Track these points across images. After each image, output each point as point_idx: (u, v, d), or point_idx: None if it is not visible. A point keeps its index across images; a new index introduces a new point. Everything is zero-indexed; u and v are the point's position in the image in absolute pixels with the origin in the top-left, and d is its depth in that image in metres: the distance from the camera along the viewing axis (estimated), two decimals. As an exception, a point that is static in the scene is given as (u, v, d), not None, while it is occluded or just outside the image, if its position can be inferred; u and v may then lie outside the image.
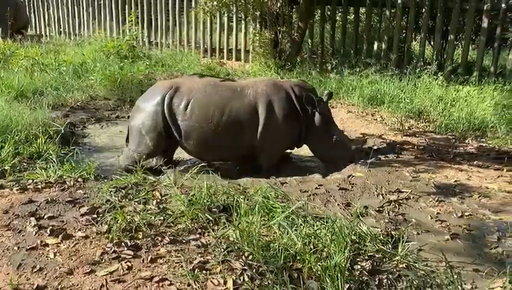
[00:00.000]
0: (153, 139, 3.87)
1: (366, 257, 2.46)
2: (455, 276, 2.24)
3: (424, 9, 7.71)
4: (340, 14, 9.07)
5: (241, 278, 2.24)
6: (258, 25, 8.48)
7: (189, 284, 2.19)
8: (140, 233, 2.64)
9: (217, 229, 2.70)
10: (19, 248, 2.47)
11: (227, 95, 3.90)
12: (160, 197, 3.14)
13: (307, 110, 4.01)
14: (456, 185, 3.55)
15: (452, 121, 5.07)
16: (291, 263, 2.34)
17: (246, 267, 2.30)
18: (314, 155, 4.35)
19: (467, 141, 4.67)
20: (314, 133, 4.09)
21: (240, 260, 2.36)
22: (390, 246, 2.57)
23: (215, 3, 7.87)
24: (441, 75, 6.48)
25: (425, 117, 5.47)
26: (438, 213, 3.08)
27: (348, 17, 8.86)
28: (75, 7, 11.78)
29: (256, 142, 3.94)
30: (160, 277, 2.24)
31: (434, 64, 6.83)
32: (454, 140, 4.70)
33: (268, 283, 2.18)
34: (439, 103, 5.71)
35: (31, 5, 12.56)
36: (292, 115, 3.98)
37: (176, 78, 4.33)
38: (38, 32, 12.53)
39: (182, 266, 2.32)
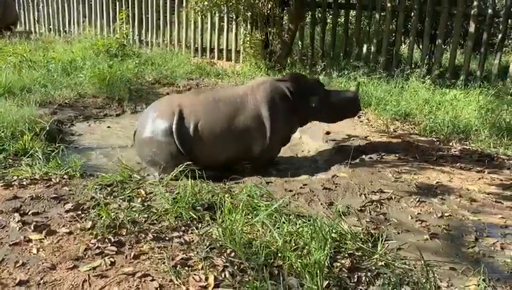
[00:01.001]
0: (169, 163, 3.80)
1: (346, 255, 2.50)
2: (431, 274, 2.30)
3: (413, 13, 7.82)
4: (330, 16, 9.15)
5: (223, 274, 2.27)
6: (249, 26, 8.52)
7: (171, 280, 2.22)
8: (124, 230, 2.66)
9: (201, 227, 2.73)
10: (1, 243, 2.47)
11: (230, 110, 3.94)
12: (145, 195, 3.16)
13: (303, 101, 4.24)
14: (438, 186, 3.62)
15: (437, 124, 5.14)
16: (272, 260, 2.38)
17: (227, 264, 2.33)
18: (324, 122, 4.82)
19: (450, 144, 4.75)
20: (318, 112, 4.36)
21: (222, 257, 2.40)
22: (370, 244, 2.62)
23: (206, 3, 7.91)
24: (429, 79, 6.57)
25: (411, 120, 5.54)
26: (418, 213, 3.14)
27: (338, 19, 8.94)
28: (65, 4, 11.73)
29: (265, 146, 4.07)
30: (142, 273, 2.27)
31: (423, 68, 6.93)
32: (438, 142, 4.78)
33: (249, 279, 2.22)
34: (425, 105, 5.79)
35: (21, 1, 12.48)
36: (291, 112, 4.18)
37: (170, 98, 4.14)
38: (27, 29, 12.45)
39: (164, 263, 2.35)
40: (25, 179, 3.29)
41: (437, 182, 3.69)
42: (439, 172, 3.93)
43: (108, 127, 5.57)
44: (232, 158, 4.02)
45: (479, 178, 3.85)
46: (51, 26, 12.08)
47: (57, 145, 3.92)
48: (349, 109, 4.58)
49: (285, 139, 4.38)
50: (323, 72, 7.39)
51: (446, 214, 3.14)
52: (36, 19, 12.36)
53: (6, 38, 9.25)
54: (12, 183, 3.22)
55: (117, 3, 10.79)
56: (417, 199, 3.34)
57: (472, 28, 7.21)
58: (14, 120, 4.22)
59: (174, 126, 3.79)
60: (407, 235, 2.83)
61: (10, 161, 3.65)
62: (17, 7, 12.06)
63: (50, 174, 3.43)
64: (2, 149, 3.74)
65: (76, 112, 5.86)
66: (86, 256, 2.39)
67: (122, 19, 9.56)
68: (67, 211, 2.84)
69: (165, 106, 3.98)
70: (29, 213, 2.81)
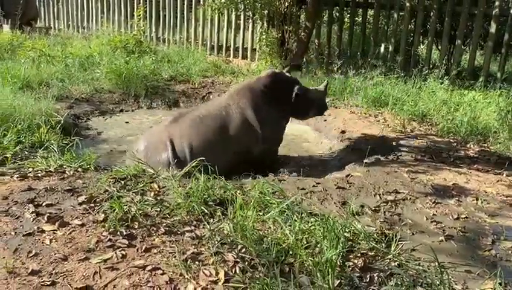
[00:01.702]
0: None
1: (359, 255, 2.47)
2: (446, 276, 2.25)
3: (432, 13, 7.70)
4: (348, 15, 9.07)
5: (233, 270, 2.25)
6: (265, 24, 8.49)
7: (181, 274, 2.21)
8: (136, 223, 2.66)
9: (212, 222, 2.72)
10: (16, 233, 2.50)
11: (218, 124, 3.98)
12: (158, 189, 3.16)
13: (283, 97, 4.30)
14: (454, 187, 3.55)
15: (455, 125, 5.05)
16: (283, 257, 2.35)
17: (238, 260, 2.31)
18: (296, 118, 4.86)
19: (468, 145, 4.66)
20: (298, 108, 4.44)
21: (233, 252, 2.38)
22: (383, 244, 2.58)
23: (223, 0, 7.90)
24: (447, 79, 6.47)
25: (428, 120, 5.45)
26: (433, 214, 3.08)
27: (356, 18, 8.86)
28: (84, 1, 11.85)
29: (262, 146, 4.16)
30: (153, 266, 2.26)
31: (441, 68, 6.82)
32: (455, 144, 4.69)
33: (259, 275, 2.20)
34: (443, 106, 5.69)
35: (41, -3, 12.67)
36: (274, 109, 4.23)
37: (158, 131, 4.00)
38: (47, 24, 12.62)
39: (175, 257, 2.34)
40: (39, 171, 3.33)
41: (453, 184, 3.62)
42: (456, 173, 3.86)
43: (127, 122, 5.62)
44: (235, 166, 3.90)
45: (497, 181, 3.76)
46: (70, 22, 12.22)
47: (72, 138, 3.95)
48: (322, 107, 4.71)
49: (278, 138, 4.42)
50: (340, 71, 7.33)
51: (462, 216, 3.07)
52: (56, 15, 12.52)
53: (26, 34, 9.38)
54: (28, 175, 3.26)
55: (135, 0, 10.86)
56: (433, 200, 3.28)
57: (493, 28, 7.06)
58: (31, 113, 4.27)
59: (170, 160, 3.73)
60: (422, 236, 2.78)
61: (26, 153, 3.69)
62: (37, 3, 12.22)
63: (64, 166, 3.46)
64: (19, 141, 3.78)
65: (93, 106, 5.93)
66: (98, 248, 2.40)
67: (140, 15, 9.62)
68: (80, 204, 2.86)
69: (155, 140, 3.90)
70: (43, 204, 2.83)
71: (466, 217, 3.06)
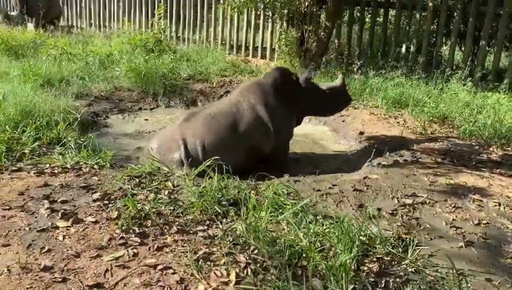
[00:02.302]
0: None
1: (374, 259, 2.40)
2: (464, 284, 2.17)
3: (455, 13, 7.52)
4: (368, 15, 8.95)
5: (245, 271, 2.22)
6: (284, 24, 8.43)
7: (192, 274, 2.19)
8: (149, 221, 2.65)
9: (225, 222, 2.69)
10: (30, 228, 2.52)
11: (229, 120, 3.98)
12: (172, 187, 3.16)
13: (292, 94, 4.33)
14: (475, 191, 3.43)
15: (477, 127, 4.91)
16: (296, 260, 2.31)
17: (250, 261, 2.28)
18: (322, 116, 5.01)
19: (491, 149, 4.52)
20: (309, 104, 4.47)
21: (245, 253, 2.35)
22: (400, 249, 2.51)
23: (242, 0, 7.87)
24: (470, 81, 6.30)
25: (449, 122, 5.32)
26: (453, 219, 2.99)
27: (377, 18, 8.73)
28: (106, 0, 11.99)
29: (273, 143, 4.14)
30: (164, 265, 2.25)
31: (465, 70, 6.65)
32: (477, 147, 4.55)
33: (271, 278, 2.16)
34: (465, 108, 5.54)
35: (65, -3, 12.88)
36: (284, 106, 4.23)
37: (171, 131, 4.01)
38: (70, 23, 12.82)
39: (187, 256, 2.32)
40: (56, 168, 3.36)
41: (475, 188, 3.51)
42: (478, 177, 3.74)
43: (146, 119, 5.65)
44: (247, 163, 3.91)
45: (521, 186, 3.64)
46: (92, 21, 12.38)
47: (90, 135, 3.98)
48: (342, 101, 4.77)
49: (289, 133, 4.42)
50: (360, 71, 7.22)
51: (483, 222, 2.97)
52: (78, 14, 12.71)
53: (49, 32, 9.54)
54: (44, 171, 3.29)
55: (156, -1, 10.94)
56: (453, 205, 3.18)
57: (519, 29, 6.86)
58: (50, 110, 4.32)
59: (183, 158, 3.72)
60: (441, 241, 2.69)
61: (44, 149, 3.72)
62: (60, 2, 12.43)
63: (81, 163, 3.48)
64: (37, 138, 3.82)
65: (112, 104, 5.97)
66: (110, 246, 2.40)
67: (160, 14, 9.68)
68: (94, 201, 2.87)
69: (168, 139, 3.91)
70: (58, 201, 2.85)
71: (487, 223, 2.96)
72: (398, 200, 3.24)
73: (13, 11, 11.26)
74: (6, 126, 3.78)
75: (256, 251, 2.36)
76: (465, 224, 2.94)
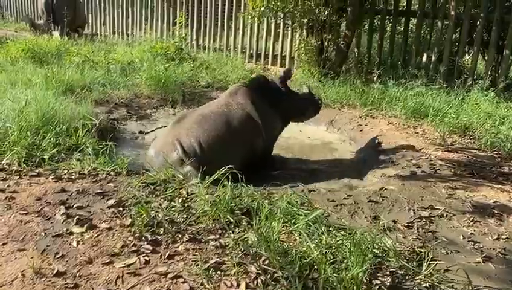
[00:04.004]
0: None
1: (387, 273, 2.36)
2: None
3: (478, 22, 7.40)
4: (389, 24, 8.87)
5: (255, 282, 2.21)
6: (304, 32, 8.45)
7: (202, 284, 2.19)
8: (162, 229, 2.66)
9: (237, 231, 2.68)
10: (45, 233, 2.56)
11: (223, 119, 4.10)
12: (186, 195, 3.17)
13: (276, 100, 4.58)
14: (495, 205, 3.35)
15: (499, 139, 4.79)
16: (307, 272, 2.28)
17: (260, 272, 2.26)
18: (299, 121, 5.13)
19: (513, 161, 4.41)
20: (290, 107, 4.72)
21: (256, 264, 2.33)
22: (414, 263, 2.46)
23: (262, 8, 7.91)
24: (493, 91, 6.17)
25: (470, 134, 5.20)
26: (471, 233, 2.92)
27: (398, 27, 8.65)
28: (129, 9, 12.22)
29: (263, 144, 4.36)
30: (175, 274, 2.25)
31: (487, 80, 6.51)
32: (499, 159, 4.44)
33: (281, 289, 2.14)
34: (487, 119, 5.42)
35: (89, 5, 13.15)
36: (271, 110, 4.49)
37: (165, 135, 4.12)
38: (93, 31, 13.09)
39: (197, 265, 2.32)
40: (73, 173, 3.41)
41: (495, 201, 3.42)
42: (498, 191, 3.65)
43: (165, 126, 5.70)
44: (244, 161, 3.95)
45: (544, 200, 3.53)
46: (115, 29, 12.62)
47: (107, 142, 4.04)
48: (314, 108, 5.01)
49: (275, 133, 4.66)
50: (379, 80, 7.15)
51: (503, 237, 2.89)
52: (102, 22, 12.97)
53: (74, 40, 9.76)
54: (62, 176, 3.35)
55: (177, 8, 11.08)
56: (471, 218, 3.11)
57: (545, 38, 6.69)
58: (70, 116, 4.40)
59: (182, 157, 3.79)
60: (457, 256, 2.63)
61: (63, 155, 3.78)
62: (85, 11, 12.71)
63: (98, 169, 3.53)
64: (57, 144, 3.89)
65: (131, 111, 6.05)
66: (122, 253, 2.42)
67: (181, 23, 9.80)
68: (109, 207, 2.90)
69: (163, 143, 3.98)
70: (74, 206, 2.89)
71: (507, 238, 2.88)
72: (415, 213, 3.18)
73: (40, 19, 11.57)
74: (28, 132, 3.85)
75: (267, 262, 2.35)
76: (484, 239, 2.86)
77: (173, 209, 2.91)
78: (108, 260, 2.34)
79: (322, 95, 6.55)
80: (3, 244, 2.43)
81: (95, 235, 2.58)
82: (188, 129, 3.96)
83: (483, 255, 2.64)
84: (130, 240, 2.53)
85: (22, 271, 2.20)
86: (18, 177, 3.29)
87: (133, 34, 12.05)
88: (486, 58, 7.76)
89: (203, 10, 10.64)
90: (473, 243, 2.79)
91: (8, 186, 3.12)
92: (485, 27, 7.36)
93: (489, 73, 6.93)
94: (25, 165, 3.46)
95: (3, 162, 3.46)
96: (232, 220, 2.77)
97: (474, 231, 2.96)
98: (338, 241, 2.52)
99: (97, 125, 4.37)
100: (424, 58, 7.77)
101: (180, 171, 3.68)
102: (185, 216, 2.84)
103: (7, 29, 14.00)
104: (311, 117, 5.13)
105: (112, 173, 3.51)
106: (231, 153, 3.88)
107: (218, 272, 2.28)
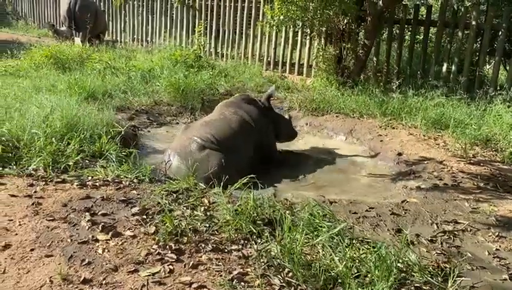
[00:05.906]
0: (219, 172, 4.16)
1: (412, 288, 2.34)
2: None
3: (500, 32, 7.32)
4: (408, 33, 8.83)
5: (279, 294, 2.21)
6: (322, 41, 8.46)
7: (226, 295, 2.20)
8: (185, 238, 2.68)
9: (260, 242, 2.69)
10: (72, 240, 2.60)
11: (227, 122, 4.55)
12: (208, 204, 3.19)
13: (262, 113, 5.02)
14: (521, 221, 3.30)
15: (523, 151, 4.73)
16: (331, 286, 2.28)
17: (284, 285, 2.27)
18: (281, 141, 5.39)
19: (538, 175, 4.33)
20: (276, 124, 5.22)
21: (279, 276, 2.34)
22: (439, 279, 2.43)
23: (281, 17, 7.94)
24: (515, 102, 6.09)
25: (492, 146, 5.14)
26: (497, 249, 2.88)
27: (417, 36, 8.59)
28: (150, 16, 12.38)
29: (267, 146, 4.92)
30: (199, 284, 2.27)
31: (509, 90, 6.42)
32: (523, 172, 4.38)
33: (305, 303, 2.14)
34: (510, 131, 5.34)
35: (110, 12, 13.37)
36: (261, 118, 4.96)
37: (181, 136, 4.45)
38: (114, 38, 13.29)
39: (221, 275, 2.34)
40: (98, 180, 3.46)
41: (520, 216, 3.37)
42: (523, 205, 3.59)
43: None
44: (256, 159, 4.53)
45: None
46: (135, 36, 12.79)
47: (131, 149, 4.09)
48: (290, 134, 5.49)
49: (272, 136, 5.11)
50: (398, 90, 7.11)
51: (529, 253, 2.85)
52: (122, 29, 13.17)
53: (95, 47, 9.92)
54: (87, 183, 3.40)
55: (196, 15, 11.20)
56: (496, 233, 3.07)
57: None
58: (94, 123, 4.47)
59: (202, 143, 4.15)
60: (483, 272, 2.59)
61: (87, 161, 3.85)
62: (106, 18, 12.92)
63: (121, 177, 3.58)
64: (81, 150, 3.95)
65: (152, 118, 6.12)
66: (147, 261, 2.44)
67: (200, 31, 9.89)
68: (133, 215, 2.93)
69: (180, 145, 4.25)
70: (98, 213, 2.93)
71: (533, 255, 2.83)
72: (438, 227, 3.15)
73: (62, 26, 11.79)
74: (53, 138, 3.93)
75: (290, 274, 2.35)
76: (510, 255, 2.82)
77: (196, 218, 2.93)
78: (134, 268, 2.37)
79: (340, 104, 6.56)
80: (32, 250, 2.48)
81: (120, 242, 2.62)
82: (198, 130, 4.35)
83: (509, 273, 2.60)
84: (154, 249, 2.56)
85: (50, 277, 2.24)
86: (44, 183, 3.35)
87: (153, 41, 12.21)
88: (507, 68, 7.66)
89: (221, 18, 10.73)
90: (498, 259, 2.75)
91: (35, 192, 3.18)
92: (506, 37, 7.27)
93: (511, 83, 6.83)
94: (50, 171, 3.52)
95: (30, 168, 3.53)
96: (254, 230, 2.78)
97: (500, 246, 2.92)
98: (362, 254, 2.51)
99: (123, 133, 4.42)
100: (444, 68, 7.70)
101: (200, 156, 4.03)
102: (207, 225, 2.85)
103: (30, 35, 14.33)
104: (286, 141, 5.47)
105: (135, 180, 3.56)
106: (239, 144, 4.36)
107: (242, 283, 2.28)
